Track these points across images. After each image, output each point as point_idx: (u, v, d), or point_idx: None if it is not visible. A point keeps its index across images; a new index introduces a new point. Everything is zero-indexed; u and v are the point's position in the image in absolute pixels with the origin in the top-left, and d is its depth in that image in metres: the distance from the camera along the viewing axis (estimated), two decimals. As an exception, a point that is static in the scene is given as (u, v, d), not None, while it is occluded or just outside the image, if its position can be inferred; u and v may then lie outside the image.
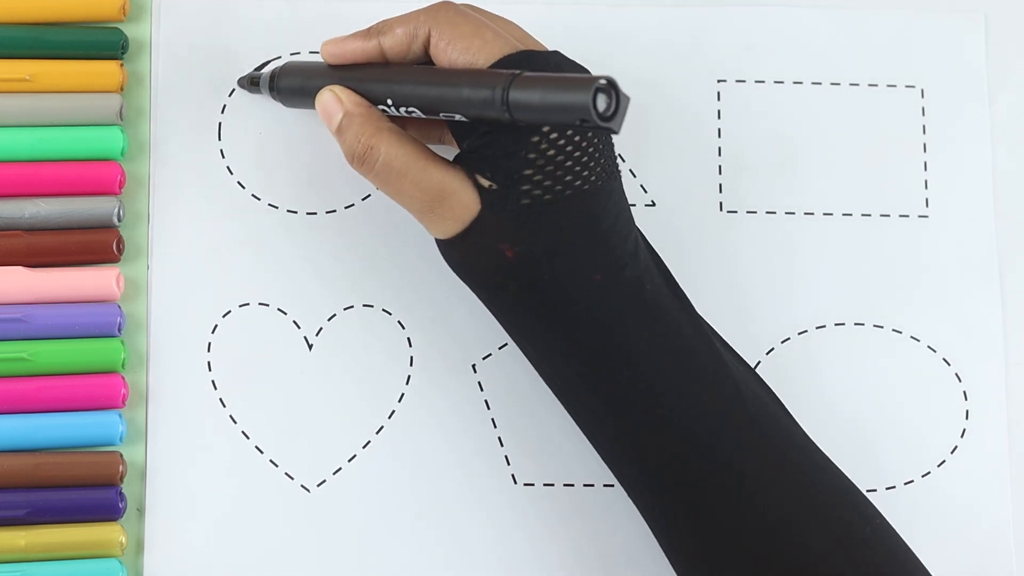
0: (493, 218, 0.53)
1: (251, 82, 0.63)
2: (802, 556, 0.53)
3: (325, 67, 0.58)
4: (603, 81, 0.47)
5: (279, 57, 0.64)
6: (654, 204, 0.64)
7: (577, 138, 0.53)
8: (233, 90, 0.64)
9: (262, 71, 0.63)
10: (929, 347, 0.65)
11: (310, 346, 0.63)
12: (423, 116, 0.54)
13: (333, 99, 0.56)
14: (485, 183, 0.54)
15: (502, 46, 0.53)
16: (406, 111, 0.55)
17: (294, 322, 0.63)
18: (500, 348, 0.63)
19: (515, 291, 0.55)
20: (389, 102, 0.55)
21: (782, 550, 0.53)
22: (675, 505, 0.55)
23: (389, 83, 0.55)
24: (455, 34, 0.54)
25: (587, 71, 0.54)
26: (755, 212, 0.65)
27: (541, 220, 0.53)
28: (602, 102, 0.47)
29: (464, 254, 0.55)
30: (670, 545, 0.56)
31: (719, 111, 0.65)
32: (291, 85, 0.60)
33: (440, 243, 0.56)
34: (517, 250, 0.53)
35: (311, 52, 0.64)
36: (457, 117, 0.53)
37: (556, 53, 0.55)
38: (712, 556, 0.54)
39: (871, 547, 0.54)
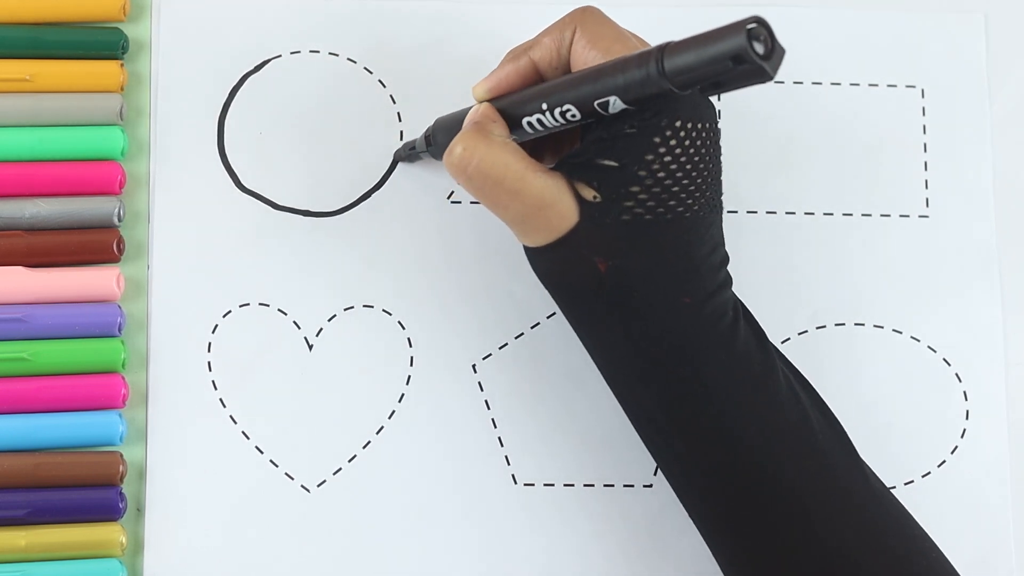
0: (590, 230, 0.53)
1: (407, 150, 0.63)
2: None
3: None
4: (754, 23, 0.47)
5: (279, 56, 0.64)
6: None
7: (688, 166, 0.53)
8: (233, 90, 0.64)
9: (414, 140, 0.62)
10: (929, 347, 0.65)
11: (310, 346, 0.63)
12: (578, 117, 0.53)
13: (475, 108, 0.56)
14: (588, 194, 0.53)
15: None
16: (560, 114, 0.53)
17: (294, 322, 0.63)
18: (500, 348, 0.63)
19: (601, 305, 0.54)
20: (544, 107, 0.54)
21: None
22: (736, 526, 0.55)
23: (542, 89, 0.54)
24: (598, 34, 0.54)
25: None
26: (755, 212, 0.65)
27: (638, 238, 0.53)
28: (758, 42, 0.47)
29: (554, 264, 0.55)
30: (728, 564, 0.56)
31: (719, 111, 0.65)
32: (448, 140, 0.58)
33: (529, 251, 0.56)
34: (611, 264, 0.53)
35: (311, 51, 0.64)
36: (611, 106, 0.52)
37: None
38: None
39: None
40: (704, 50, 0.48)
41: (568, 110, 0.53)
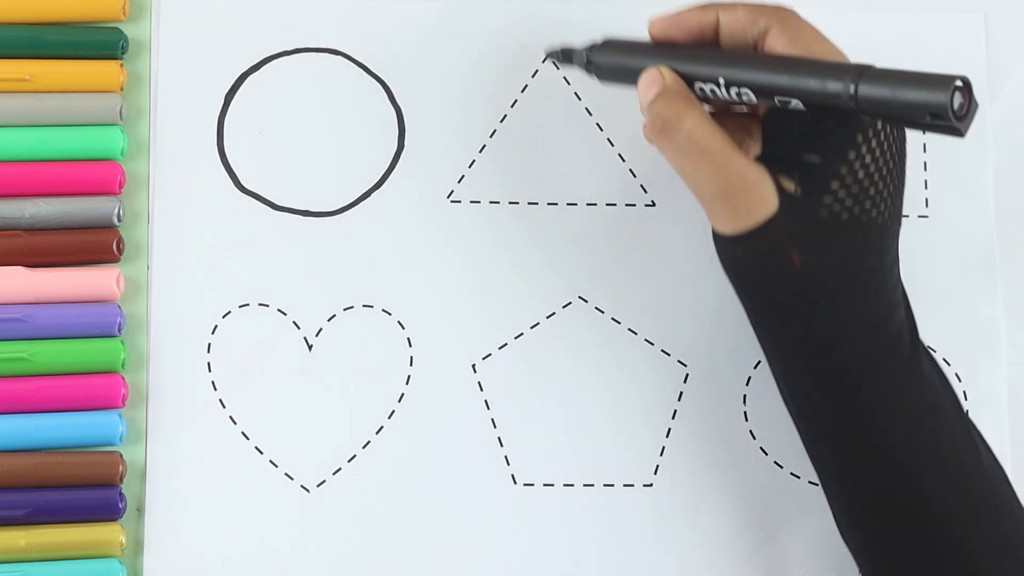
0: (789, 222, 0.53)
1: (564, 56, 0.60)
2: None
3: (648, 45, 0.57)
4: (959, 81, 0.47)
5: (279, 55, 0.64)
6: (654, 204, 0.64)
7: (884, 169, 0.53)
8: (233, 89, 0.64)
9: (575, 48, 0.59)
10: (929, 347, 0.64)
11: (310, 346, 0.63)
12: (753, 101, 0.53)
13: (655, 74, 0.55)
14: (789, 186, 0.53)
15: (839, 57, 0.54)
16: (736, 93, 0.53)
17: (294, 322, 0.63)
18: (500, 348, 0.63)
19: (787, 302, 0.54)
20: (721, 80, 0.53)
21: None
22: (894, 557, 0.55)
23: (724, 62, 0.54)
24: (797, 35, 0.54)
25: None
26: (755, 212, 0.65)
27: (835, 236, 0.53)
28: (957, 101, 0.47)
29: (748, 253, 0.54)
30: (869, 563, 0.56)
31: (719, 111, 0.65)
32: (611, 63, 0.58)
33: (721, 238, 0.55)
34: (806, 260, 0.53)
35: (310, 51, 0.64)
36: (792, 104, 0.52)
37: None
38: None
39: None
40: (902, 91, 0.48)
41: (744, 93, 0.53)
